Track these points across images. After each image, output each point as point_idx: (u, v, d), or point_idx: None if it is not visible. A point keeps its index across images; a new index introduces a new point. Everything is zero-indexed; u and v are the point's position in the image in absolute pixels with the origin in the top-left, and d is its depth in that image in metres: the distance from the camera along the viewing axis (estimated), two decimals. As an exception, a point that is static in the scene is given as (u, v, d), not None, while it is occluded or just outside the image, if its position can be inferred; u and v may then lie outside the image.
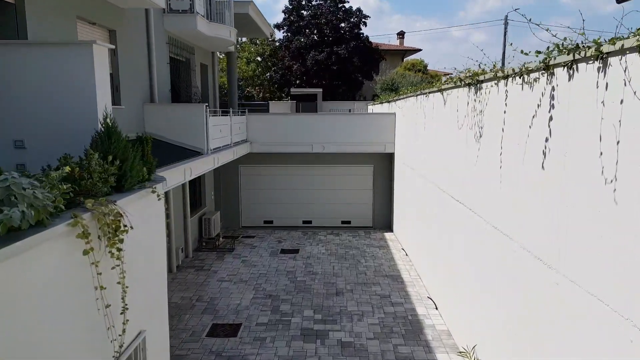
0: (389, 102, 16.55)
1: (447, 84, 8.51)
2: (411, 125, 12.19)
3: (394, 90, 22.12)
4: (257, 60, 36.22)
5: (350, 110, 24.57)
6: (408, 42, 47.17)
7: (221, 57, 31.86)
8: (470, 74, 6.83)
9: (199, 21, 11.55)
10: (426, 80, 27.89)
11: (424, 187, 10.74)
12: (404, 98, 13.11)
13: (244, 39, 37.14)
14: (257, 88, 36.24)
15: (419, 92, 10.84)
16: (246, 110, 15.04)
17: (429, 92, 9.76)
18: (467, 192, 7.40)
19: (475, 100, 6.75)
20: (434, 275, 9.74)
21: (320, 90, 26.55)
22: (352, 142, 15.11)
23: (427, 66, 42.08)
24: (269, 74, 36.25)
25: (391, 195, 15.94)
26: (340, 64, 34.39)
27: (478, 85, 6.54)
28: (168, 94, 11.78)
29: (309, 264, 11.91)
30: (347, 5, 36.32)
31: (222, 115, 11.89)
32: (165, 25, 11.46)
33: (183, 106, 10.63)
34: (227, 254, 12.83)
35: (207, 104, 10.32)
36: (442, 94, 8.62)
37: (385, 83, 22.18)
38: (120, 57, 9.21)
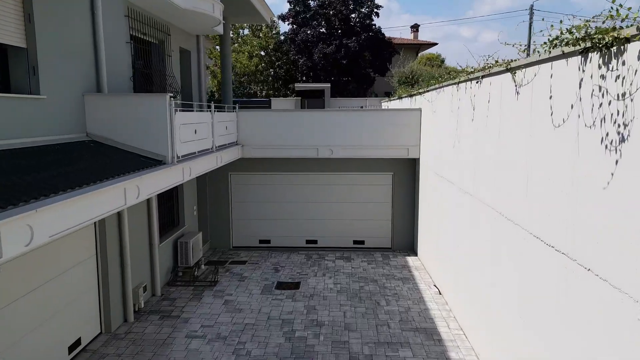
0: (411, 95, 13.61)
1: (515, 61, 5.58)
2: (448, 123, 9.25)
3: (413, 85, 19.20)
4: (260, 54, 33.38)
5: (362, 108, 21.65)
6: (421, 37, 44.07)
7: (217, 49, 29.13)
8: (586, 31, 3.88)
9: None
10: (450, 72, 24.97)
11: (468, 209, 7.80)
12: (436, 89, 10.17)
13: (246, 31, 34.32)
14: (260, 85, 33.40)
15: (463, 78, 7.90)
16: (236, 106, 12.19)
17: (484, 76, 6.81)
18: (571, 234, 4.48)
19: (605, 74, 3.81)
20: (487, 332, 6.81)
21: (329, 85, 23.68)
22: (366, 145, 12.21)
23: (444, 60, 39.03)
24: (272, 69, 33.40)
25: (415, 209, 13.00)
26: (351, 58, 31.45)
27: (614, 47, 3.59)
28: (129, 83, 8.94)
29: (312, 307, 9.02)
30: (357, -5, 33.37)
31: (198, 110, 9.03)
32: (122, -10, 8.65)
33: (137, 97, 7.76)
34: (207, 289, 9.97)
35: (171, 94, 7.47)
36: (514, 75, 5.67)
37: (404, 75, 19.22)
38: (39, 24, 6.38)
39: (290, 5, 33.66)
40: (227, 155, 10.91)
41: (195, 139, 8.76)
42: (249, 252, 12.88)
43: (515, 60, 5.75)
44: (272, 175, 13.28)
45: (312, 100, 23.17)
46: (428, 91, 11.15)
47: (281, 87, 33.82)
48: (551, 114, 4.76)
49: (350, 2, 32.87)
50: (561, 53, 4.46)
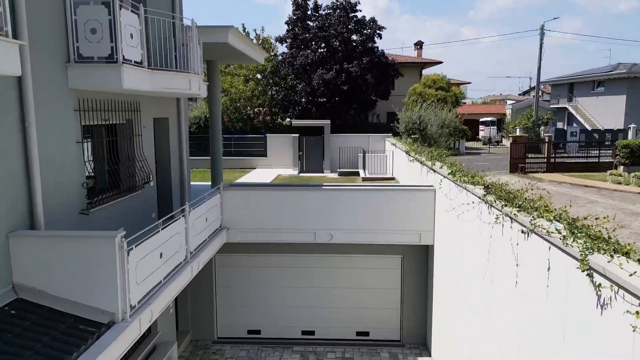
0: (422, 163, 11.92)
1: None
2: (474, 243, 7.53)
3: (421, 130, 17.52)
4: (257, 77, 31.68)
5: (364, 152, 19.95)
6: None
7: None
8: None
9: (128, 74, 6.99)
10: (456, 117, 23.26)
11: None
12: (456, 184, 8.45)
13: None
14: (256, 110, 31.68)
15: (498, 210, 6.17)
16: (220, 186, 10.47)
17: (537, 233, 5.08)
18: None
19: None
20: None
21: (328, 122, 21.96)
22: (372, 229, 10.52)
23: (449, 82, 37.33)
24: (270, 92, 31.71)
25: (427, 298, 11.30)
26: (352, 83, 29.75)
27: None
28: (78, 194, 7.24)
29: None
30: (359, 15, 31.65)
31: (167, 226, 7.30)
32: (70, 81, 6.93)
33: (76, 239, 5.98)
34: None
35: (122, 234, 5.75)
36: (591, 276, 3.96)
37: (410, 121, 17.53)
38: None
39: (289, 27, 31.95)
40: (208, 254, 9.22)
41: (161, 263, 7.06)
42: (235, 348, 11.18)
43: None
44: (262, 257, 11.60)
45: (310, 138, 21.48)
46: (441, 174, 9.44)
47: (279, 112, 32.14)
48: None
49: (352, 24, 31.17)
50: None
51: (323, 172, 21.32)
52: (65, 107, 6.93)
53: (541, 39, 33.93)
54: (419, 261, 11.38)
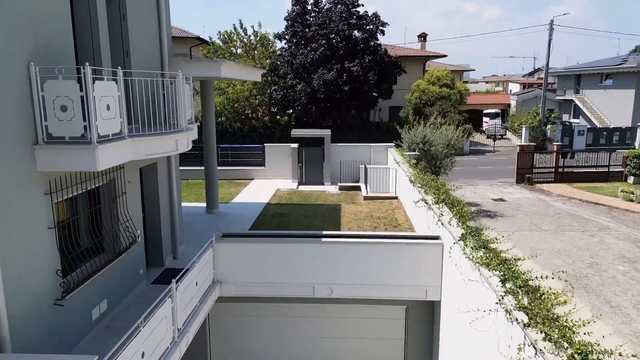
0: (425, 195, 11.24)
1: None
2: (487, 329, 6.88)
3: (425, 151, 16.74)
4: (255, 76, 30.63)
5: (364, 165, 19.19)
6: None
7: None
8: None
9: (104, 154, 6.24)
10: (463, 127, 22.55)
11: None
12: (459, 247, 7.74)
13: (239, 50, 31.47)
14: (254, 111, 30.76)
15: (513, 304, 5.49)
16: (213, 238, 9.76)
17: None
18: None
19: None
20: None
21: (329, 132, 21.13)
22: (374, 284, 9.90)
23: (454, 79, 36.26)
24: (269, 91, 30.75)
25: (432, 349, 10.74)
26: (353, 83, 28.78)
27: None
28: (52, 283, 6.57)
29: None
30: (361, 11, 30.41)
31: (150, 320, 6.64)
32: (38, 164, 6.19)
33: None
34: None
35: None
36: None
37: (414, 142, 16.72)
38: None
39: (288, 23, 30.75)
40: (198, 321, 8.59)
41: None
42: (232, 401, 10.68)
43: None
44: (257, 306, 10.98)
45: (310, 150, 20.68)
46: (453, 241, 8.73)
47: (279, 112, 31.24)
48: None
49: (353, 19, 29.96)
50: None
51: (323, 185, 20.60)
52: (33, 192, 6.21)
53: (550, 35, 32.71)
54: (424, 311, 10.78)
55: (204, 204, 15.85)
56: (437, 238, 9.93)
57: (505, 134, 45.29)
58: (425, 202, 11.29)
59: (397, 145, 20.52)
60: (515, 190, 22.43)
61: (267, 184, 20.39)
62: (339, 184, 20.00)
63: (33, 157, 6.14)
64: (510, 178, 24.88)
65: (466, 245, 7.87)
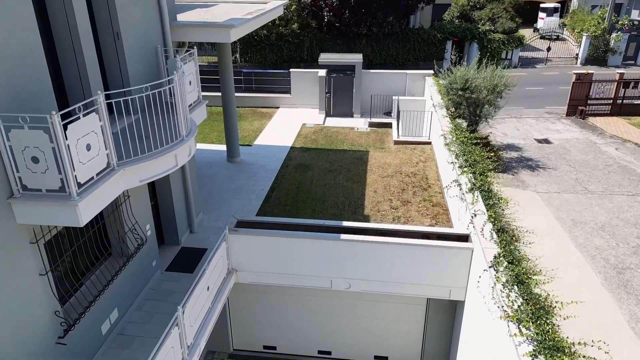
0: (461, 168, 10.22)
1: None
2: None
3: (467, 97, 15.00)
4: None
5: (397, 101, 17.59)
6: None
7: None
8: None
9: (85, 207, 5.49)
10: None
11: None
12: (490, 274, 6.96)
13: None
14: (283, 24, 28.14)
15: None
16: (226, 232, 9.22)
17: None
18: None
19: None
20: None
21: (360, 58, 19.17)
22: (395, 282, 9.43)
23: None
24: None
25: (452, 332, 10.57)
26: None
27: None
28: (52, 324, 6.34)
29: None
30: None
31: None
32: (17, 217, 5.54)
33: None
34: None
35: None
36: None
37: (452, 86, 14.85)
38: None
39: None
40: (209, 327, 8.48)
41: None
42: (251, 366, 11.14)
43: None
44: (279, 286, 10.83)
45: (339, 78, 18.98)
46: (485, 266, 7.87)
47: (310, 20, 28.58)
48: None
49: None
50: None
51: (352, 117, 19.30)
52: (18, 243, 5.68)
53: None
54: (446, 310, 10.39)
55: (225, 147, 15.15)
56: (466, 238, 9.10)
57: (562, 33, 40.65)
58: (460, 187, 10.22)
59: (435, 75, 18.59)
60: (563, 127, 20.39)
61: (292, 116, 19.26)
62: (369, 119, 18.65)
63: (11, 211, 5.48)
64: (560, 106, 22.60)
65: (497, 280, 7.06)
